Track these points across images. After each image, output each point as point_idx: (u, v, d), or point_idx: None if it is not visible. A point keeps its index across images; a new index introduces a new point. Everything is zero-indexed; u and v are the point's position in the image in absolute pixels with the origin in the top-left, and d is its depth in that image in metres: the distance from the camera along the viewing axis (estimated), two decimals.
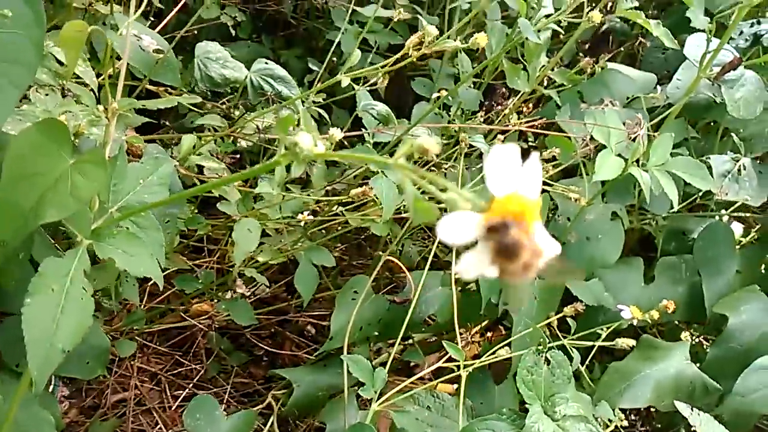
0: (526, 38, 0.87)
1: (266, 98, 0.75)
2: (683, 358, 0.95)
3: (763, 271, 1.06)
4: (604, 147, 0.86)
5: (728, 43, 0.98)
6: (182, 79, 0.90)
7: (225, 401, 1.23)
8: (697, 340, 1.14)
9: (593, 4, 0.92)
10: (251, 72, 0.78)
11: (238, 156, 1.10)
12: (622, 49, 1.37)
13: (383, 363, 0.92)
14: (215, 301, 1.21)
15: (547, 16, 0.86)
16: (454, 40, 0.67)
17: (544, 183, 0.94)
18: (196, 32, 1.09)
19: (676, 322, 1.13)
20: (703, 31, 0.93)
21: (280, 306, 1.37)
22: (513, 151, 0.31)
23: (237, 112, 0.99)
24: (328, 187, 1.09)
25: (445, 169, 1.00)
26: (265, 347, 1.34)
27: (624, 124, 0.84)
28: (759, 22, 1.00)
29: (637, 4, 0.95)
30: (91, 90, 0.69)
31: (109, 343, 0.87)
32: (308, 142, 0.34)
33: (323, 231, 1.17)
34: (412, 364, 1.22)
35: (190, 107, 0.88)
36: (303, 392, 1.04)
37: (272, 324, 1.38)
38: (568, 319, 0.93)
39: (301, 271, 1.03)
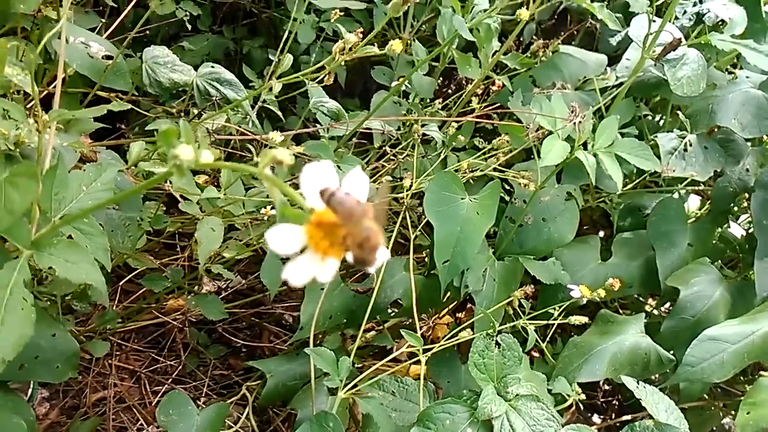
0: (477, 27, 0.89)
1: (211, 102, 0.76)
2: (638, 330, 0.98)
3: (714, 243, 1.10)
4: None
5: (674, 23, 1.00)
6: (136, 81, 0.91)
7: (204, 394, 1.25)
8: (657, 311, 1.17)
9: None
10: (197, 76, 0.78)
11: None
12: (578, 29, 1.39)
13: (359, 347, 0.94)
14: (191, 295, 1.22)
15: (485, 10, 0.87)
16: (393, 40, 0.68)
17: (496, 169, 0.96)
18: (155, 27, 1.09)
19: (636, 296, 1.16)
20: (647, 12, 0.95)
21: (256, 297, 1.39)
22: (326, 167, 0.35)
23: (194, 111, 1.00)
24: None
25: (402, 158, 1.02)
26: (243, 339, 1.36)
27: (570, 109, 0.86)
28: (701, 1, 1.01)
29: None
30: (30, 100, 0.69)
31: (78, 346, 0.88)
32: (188, 154, 0.36)
33: None
34: (388, 347, 1.25)
35: (145, 112, 0.89)
36: (277, 382, 1.06)
37: (249, 315, 1.40)
38: (526, 299, 0.95)
39: (266, 264, 1.05)
